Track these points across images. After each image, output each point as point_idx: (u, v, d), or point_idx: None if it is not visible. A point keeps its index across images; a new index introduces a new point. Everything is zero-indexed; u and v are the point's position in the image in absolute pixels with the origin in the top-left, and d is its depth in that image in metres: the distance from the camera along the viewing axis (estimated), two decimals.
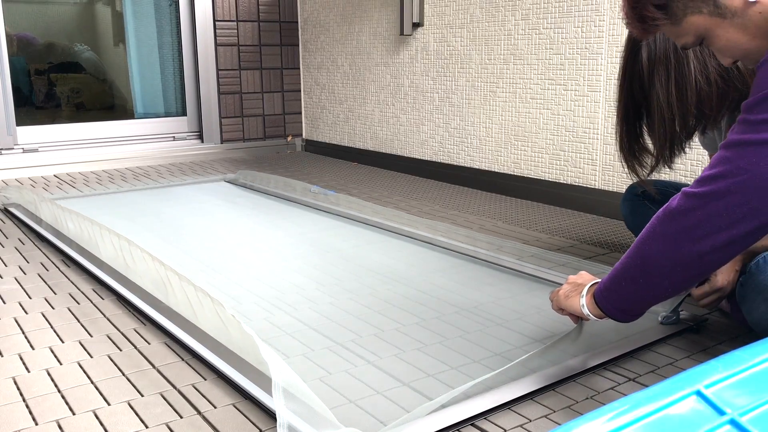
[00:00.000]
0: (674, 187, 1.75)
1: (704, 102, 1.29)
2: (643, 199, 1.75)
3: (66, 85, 4.12)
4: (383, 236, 2.15)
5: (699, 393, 0.52)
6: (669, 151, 1.37)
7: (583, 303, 1.19)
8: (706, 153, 1.82)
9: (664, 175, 2.17)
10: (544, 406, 1.13)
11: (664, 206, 1.05)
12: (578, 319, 1.28)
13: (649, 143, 1.42)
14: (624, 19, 1.10)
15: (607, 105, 2.33)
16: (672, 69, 1.29)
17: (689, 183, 2.01)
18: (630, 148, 1.41)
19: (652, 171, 1.43)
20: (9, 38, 3.40)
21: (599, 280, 1.21)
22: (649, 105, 1.34)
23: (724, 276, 1.34)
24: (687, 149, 1.42)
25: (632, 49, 1.34)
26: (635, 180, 1.46)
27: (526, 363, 1.23)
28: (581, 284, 1.24)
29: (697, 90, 1.28)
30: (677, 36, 1.06)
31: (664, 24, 1.05)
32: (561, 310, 1.27)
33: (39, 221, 2.28)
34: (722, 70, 1.28)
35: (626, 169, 1.45)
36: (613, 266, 1.15)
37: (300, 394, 1.07)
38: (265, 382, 1.16)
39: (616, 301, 1.14)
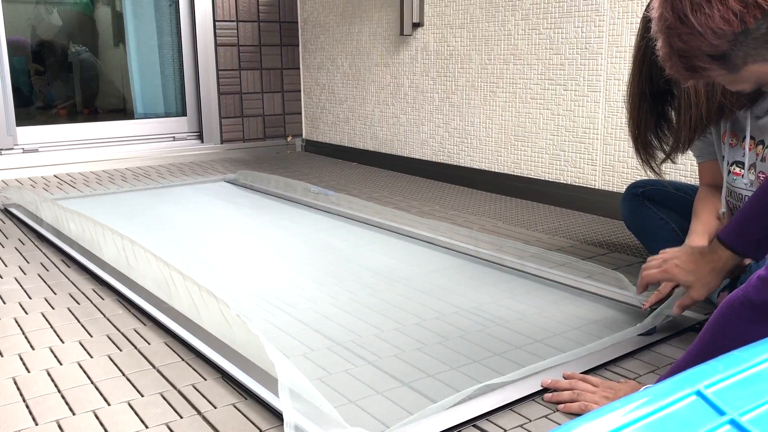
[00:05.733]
0: (673, 186, 1.75)
1: (727, 91, 1.27)
2: (643, 199, 1.75)
3: (65, 85, 4.13)
4: (383, 236, 2.15)
5: (699, 393, 0.52)
6: (689, 138, 1.34)
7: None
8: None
9: (665, 175, 2.17)
10: (544, 406, 1.13)
11: (738, 297, 0.92)
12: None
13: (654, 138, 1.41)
14: (666, 63, 1.01)
15: (607, 105, 2.33)
16: None
17: (689, 182, 2.01)
18: (644, 136, 1.39)
19: (667, 158, 1.41)
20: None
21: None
22: (674, 91, 1.31)
23: (703, 291, 1.28)
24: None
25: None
26: (647, 169, 1.44)
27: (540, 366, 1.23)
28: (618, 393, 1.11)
29: None
30: (732, 83, 0.99)
31: (717, 74, 0.98)
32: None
33: (39, 221, 2.28)
34: None
35: (639, 159, 1.43)
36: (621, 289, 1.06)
37: (306, 394, 1.07)
38: (268, 381, 1.16)
39: None
